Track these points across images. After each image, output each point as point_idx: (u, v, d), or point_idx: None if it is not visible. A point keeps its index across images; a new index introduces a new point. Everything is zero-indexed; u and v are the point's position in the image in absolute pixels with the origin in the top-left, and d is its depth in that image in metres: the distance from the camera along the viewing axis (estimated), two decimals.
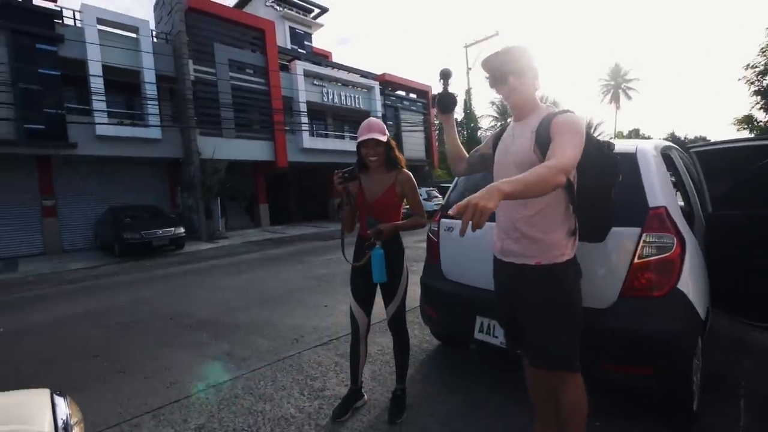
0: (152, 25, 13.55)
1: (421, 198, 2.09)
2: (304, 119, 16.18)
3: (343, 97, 17.98)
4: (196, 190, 12.77)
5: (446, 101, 1.70)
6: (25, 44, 10.38)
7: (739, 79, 14.32)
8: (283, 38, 18.68)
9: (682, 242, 1.72)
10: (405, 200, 2.09)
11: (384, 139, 1.97)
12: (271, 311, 4.27)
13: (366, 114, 18.94)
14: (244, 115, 14.75)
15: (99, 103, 11.24)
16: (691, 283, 1.74)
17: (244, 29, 15.10)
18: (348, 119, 19.47)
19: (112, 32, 12.00)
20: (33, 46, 10.50)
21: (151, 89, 12.18)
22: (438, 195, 16.30)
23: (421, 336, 3.20)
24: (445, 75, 1.72)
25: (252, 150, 14.73)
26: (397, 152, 2.07)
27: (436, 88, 1.76)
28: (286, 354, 3.03)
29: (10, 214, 10.99)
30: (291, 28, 19.98)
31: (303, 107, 16.10)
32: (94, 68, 11.17)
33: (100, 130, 11.28)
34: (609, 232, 1.51)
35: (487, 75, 1.52)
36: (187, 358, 3.12)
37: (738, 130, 16.86)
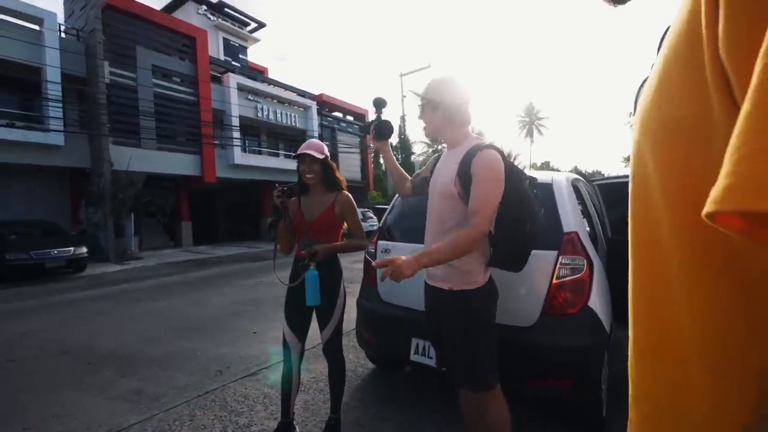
0: (61, 18, 12.11)
1: (360, 221, 2.09)
2: (236, 134, 15.50)
3: (278, 115, 17.67)
4: (105, 205, 11.37)
5: (382, 128, 1.74)
6: None
7: (624, 124, 16.99)
8: (216, 49, 17.88)
9: (590, 264, 1.93)
10: (345, 223, 2.08)
11: (320, 156, 1.98)
12: (192, 341, 3.89)
13: (302, 132, 18.76)
14: (167, 125, 13.68)
15: None
16: (598, 300, 1.95)
17: (173, 35, 14.21)
18: (284, 137, 19.13)
19: (10, 21, 10.50)
20: None
21: (53, 89, 10.75)
22: (373, 216, 16.48)
23: (356, 360, 3.13)
24: (379, 104, 1.77)
25: (175, 163, 13.66)
26: (337, 173, 2.08)
27: (372, 116, 1.83)
28: (207, 388, 2.75)
29: None
30: (225, 40, 19.23)
31: (235, 122, 15.45)
32: None
33: None
34: (525, 263, 1.58)
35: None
36: (86, 401, 2.67)
37: (625, 166, 19.90)
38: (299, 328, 2.05)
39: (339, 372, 2.08)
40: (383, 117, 1.77)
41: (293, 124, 18.36)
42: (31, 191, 11.66)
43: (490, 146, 1.46)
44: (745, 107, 0.19)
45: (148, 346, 3.76)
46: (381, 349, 2.57)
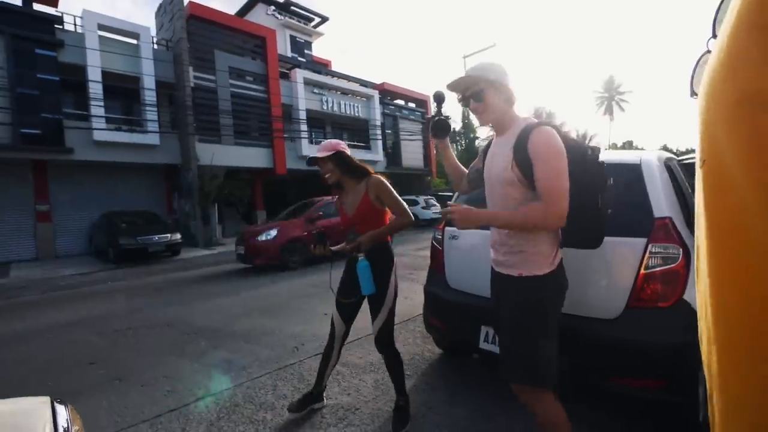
0: (153, 31, 13.62)
1: (399, 198, 2.03)
2: (304, 127, 16.25)
3: (342, 106, 18.13)
4: (193, 196, 12.71)
5: (440, 126, 1.67)
6: (25, 49, 10.39)
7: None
8: (283, 46, 18.82)
9: (686, 253, 1.73)
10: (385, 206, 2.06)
11: (325, 154, 2.02)
12: (270, 319, 4.23)
13: (365, 122, 19.08)
14: (243, 122, 14.79)
15: (97, 109, 11.21)
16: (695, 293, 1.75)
17: (245, 37, 15.21)
18: (348, 127, 19.59)
19: (112, 38, 12.05)
20: (32, 51, 10.51)
21: (150, 95, 12.19)
22: (436, 203, 16.32)
23: (423, 345, 3.18)
24: (439, 99, 1.68)
25: (250, 157, 14.74)
26: (354, 162, 2.10)
27: (433, 109, 1.75)
28: (286, 362, 3.00)
29: (2, 219, 10.88)
30: (291, 37, 20.15)
31: (302, 115, 16.18)
32: (94, 74, 11.18)
33: (98, 135, 11.25)
34: (604, 239, 1.47)
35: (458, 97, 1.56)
36: (185, 366, 3.07)
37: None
38: (347, 315, 2.14)
39: (393, 362, 2.10)
40: (443, 112, 1.70)
41: (356, 114, 18.75)
42: (135, 186, 13.42)
43: (542, 123, 1.38)
44: None
45: (234, 323, 4.17)
46: (449, 336, 2.58)
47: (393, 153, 20.92)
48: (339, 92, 18.59)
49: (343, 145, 2.09)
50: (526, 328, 1.38)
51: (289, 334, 3.69)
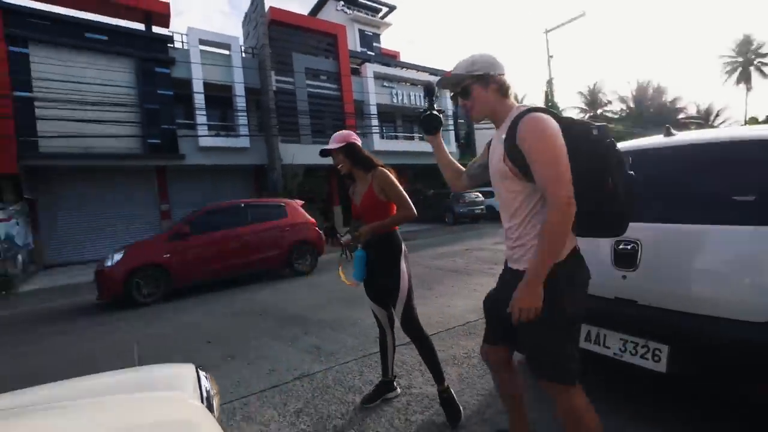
0: (241, 41, 15.00)
1: (402, 191, 2.04)
2: (375, 122, 16.61)
3: (412, 97, 18.11)
4: (278, 194, 13.85)
5: (431, 121, 1.60)
6: (147, 69, 12.29)
7: None
8: (353, 42, 19.33)
9: None
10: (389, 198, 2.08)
11: (336, 146, 2.08)
12: (353, 310, 4.48)
13: None
14: (319, 120, 15.62)
15: (201, 117, 12.81)
16: None
17: (319, 36, 15.99)
18: (418, 120, 19.51)
19: (209, 51, 13.57)
20: (152, 70, 12.37)
21: (240, 102, 13.53)
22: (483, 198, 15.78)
23: None
24: (430, 91, 1.60)
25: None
26: (363, 153, 2.13)
27: (424, 103, 1.70)
28: (370, 351, 3.17)
29: (136, 216, 13.09)
30: (360, 31, 20.59)
31: (373, 110, 16.54)
32: (197, 86, 12.76)
33: (203, 141, 12.87)
34: (622, 225, 1.38)
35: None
36: (282, 349, 3.42)
37: None
38: (380, 301, 2.22)
39: (423, 345, 2.09)
40: (436, 106, 1.63)
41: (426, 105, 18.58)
42: (231, 186, 15.04)
43: (530, 109, 1.30)
44: None
45: (320, 312, 4.51)
46: None
47: (466, 143, 20.35)
48: (408, 83, 18.58)
49: (354, 137, 2.15)
50: (541, 324, 1.29)
51: (370, 325, 3.85)
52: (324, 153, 2.18)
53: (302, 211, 7.55)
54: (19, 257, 9.71)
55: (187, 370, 1.38)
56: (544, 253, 1.22)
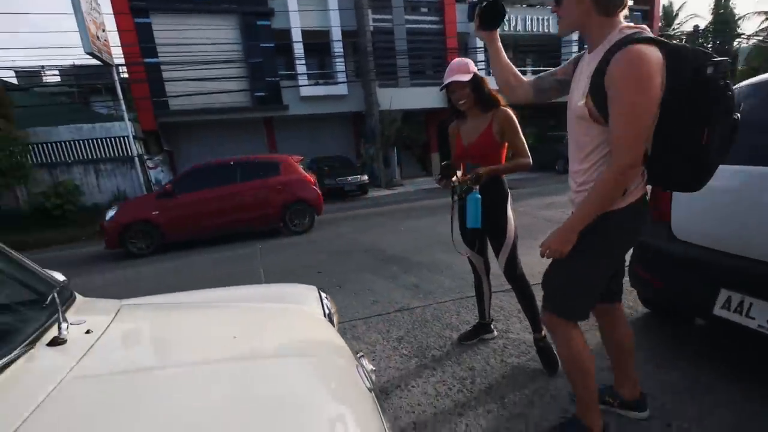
0: None
1: (523, 138, 1.92)
2: (481, 57, 15.17)
3: (528, 22, 15.75)
4: (376, 141, 14.13)
5: (490, 12, 1.31)
6: (250, 23, 13.07)
7: None
8: None
9: None
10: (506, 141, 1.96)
11: (466, 78, 1.82)
12: (449, 255, 4.51)
13: (557, 42, 16.23)
14: (418, 60, 15.02)
15: (301, 67, 13.40)
16: None
17: None
18: (534, 49, 16.98)
19: None
20: (254, 23, 13.12)
21: (338, 47, 13.65)
22: None
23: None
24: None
25: (425, 98, 14.99)
26: (489, 90, 1.89)
27: None
28: (467, 294, 3.21)
29: None
30: None
31: (479, 42, 15.14)
32: (296, 35, 13.18)
33: (303, 91, 13.55)
34: (701, 180, 1.20)
35: None
36: (383, 284, 3.68)
37: None
38: (477, 247, 2.18)
39: (524, 293, 2.07)
40: None
41: (545, 30, 15.95)
42: (330, 134, 15.79)
43: (638, 38, 1.04)
44: None
45: (417, 254, 4.66)
46: (666, 295, 2.20)
47: None
48: (525, 5, 16.29)
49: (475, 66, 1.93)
50: (570, 258, 1.28)
51: (468, 270, 3.86)
52: (448, 87, 1.93)
53: (299, 168, 7.20)
54: None
55: (311, 290, 1.58)
56: (591, 205, 1.19)
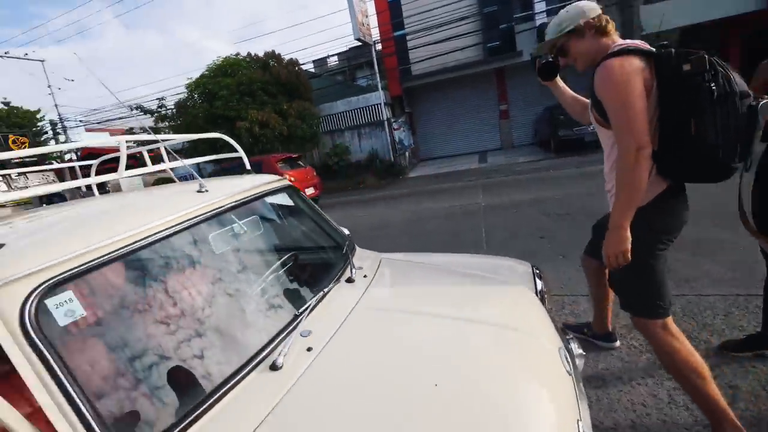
0: None
1: None
2: None
3: None
4: None
5: (547, 70, 1.61)
6: None
7: None
8: None
9: None
10: None
11: None
12: (728, 232, 3.39)
13: None
14: None
15: (539, 5, 11.99)
16: None
17: None
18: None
19: None
20: None
21: None
22: None
23: None
24: (544, 33, 1.51)
25: (718, 3, 10.66)
26: None
27: (537, 46, 1.56)
28: (749, 292, 2.40)
29: (479, 119, 14.95)
30: None
31: None
32: None
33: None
34: (728, 174, 1.25)
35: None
36: None
37: None
38: None
39: None
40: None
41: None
42: (571, 78, 13.65)
43: (612, 54, 1.28)
44: None
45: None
46: None
47: None
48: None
49: None
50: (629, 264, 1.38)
51: (758, 260, 2.83)
52: None
53: (279, 170, 6.21)
54: (407, 154, 13.84)
55: (525, 267, 1.65)
56: (619, 200, 1.31)
